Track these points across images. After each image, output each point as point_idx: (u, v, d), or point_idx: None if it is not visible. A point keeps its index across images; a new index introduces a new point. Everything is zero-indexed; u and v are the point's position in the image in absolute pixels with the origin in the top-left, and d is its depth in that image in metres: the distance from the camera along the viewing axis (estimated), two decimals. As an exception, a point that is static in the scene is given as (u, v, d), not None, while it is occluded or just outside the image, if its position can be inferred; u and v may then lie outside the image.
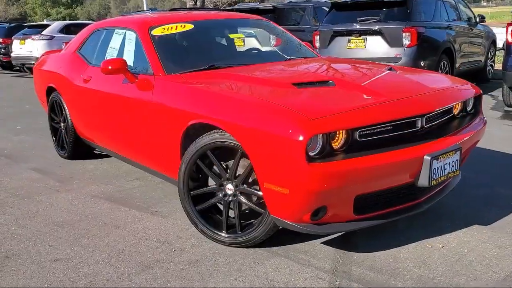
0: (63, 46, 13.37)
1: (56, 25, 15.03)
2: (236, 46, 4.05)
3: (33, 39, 14.19)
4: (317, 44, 7.65)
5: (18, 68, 15.84)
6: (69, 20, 38.30)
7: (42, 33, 14.37)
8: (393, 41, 6.98)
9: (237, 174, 2.93)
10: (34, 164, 5.02)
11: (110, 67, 3.57)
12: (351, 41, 7.28)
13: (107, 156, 5.08)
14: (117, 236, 3.24)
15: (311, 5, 9.91)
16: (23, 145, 5.89)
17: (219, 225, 3.06)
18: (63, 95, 4.85)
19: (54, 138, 5.32)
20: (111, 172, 4.64)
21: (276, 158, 2.51)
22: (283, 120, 2.49)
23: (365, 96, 2.76)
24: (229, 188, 2.96)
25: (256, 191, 2.85)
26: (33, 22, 31.58)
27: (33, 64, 14.36)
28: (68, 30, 14.96)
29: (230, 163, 3.01)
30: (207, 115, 2.93)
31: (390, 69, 3.45)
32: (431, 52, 7.21)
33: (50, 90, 5.22)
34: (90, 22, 17.14)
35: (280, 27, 4.54)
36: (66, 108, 4.85)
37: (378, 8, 7.32)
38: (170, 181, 3.53)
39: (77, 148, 5.00)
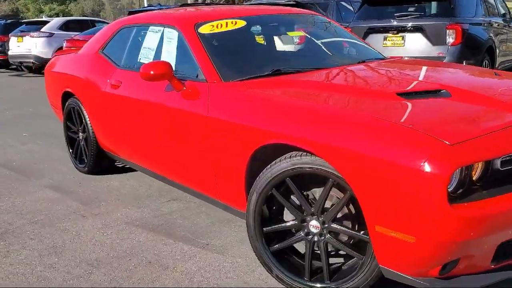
0: (64, 44, 12.77)
1: (56, 21, 14.34)
2: (297, 46, 3.45)
3: (31, 36, 13.50)
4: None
5: (15, 66, 15.11)
6: (63, 16, 37.42)
7: (41, 30, 13.68)
8: (435, 39, 6.41)
9: (324, 207, 2.35)
10: (49, 181, 4.40)
11: (152, 72, 2.96)
12: (388, 38, 6.69)
13: (131, 169, 4.46)
14: (168, 281, 2.64)
15: (334, 0, 9.32)
16: (32, 155, 5.26)
17: (298, 270, 2.47)
18: (83, 102, 4.23)
19: (70, 150, 4.70)
20: (141, 191, 4.03)
21: (398, 196, 1.92)
22: (411, 146, 1.90)
23: (498, 111, 2.18)
24: (314, 225, 2.37)
25: (355, 232, 2.26)
26: (26, 19, 30.76)
27: (32, 62, 13.79)
28: (68, 26, 14.30)
29: (313, 192, 2.42)
30: (288, 133, 2.33)
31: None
32: (475, 51, 6.65)
33: (66, 96, 4.60)
34: (92, 18, 16.46)
35: (336, 23, 3.94)
36: (86, 116, 4.23)
37: (418, 2, 6.74)
38: (229, 210, 2.94)
39: (99, 162, 4.39)
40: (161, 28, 3.47)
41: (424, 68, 3.17)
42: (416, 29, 6.53)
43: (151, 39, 3.55)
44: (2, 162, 5.04)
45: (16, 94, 10.39)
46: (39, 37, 13.45)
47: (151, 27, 3.59)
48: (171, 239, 3.14)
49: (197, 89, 2.94)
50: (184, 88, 3.01)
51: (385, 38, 6.67)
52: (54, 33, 13.65)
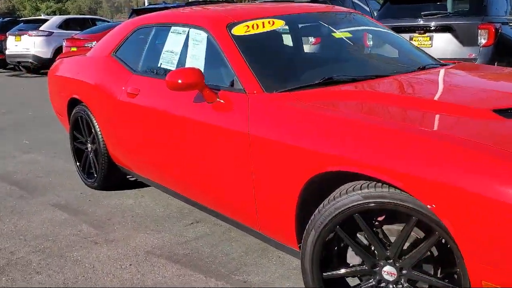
0: (63, 43, 12.29)
1: (55, 20, 13.86)
2: (346, 49, 3.00)
3: (30, 35, 13.04)
4: (370, 43, 6.61)
5: (12, 66, 14.63)
6: (60, 15, 36.80)
7: (40, 28, 13.21)
8: (466, 39, 5.99)
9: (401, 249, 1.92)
10: (55, 197, 3.96)
11: (180, 81, 2.53)
12: (414, 38, 6.26)
13: (143, 184, 4.02)
14: (205, 332, 2.21)
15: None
16: (35, 167, 4.81)
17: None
18: (93, 110, 3.79)
19: (78, 163, 4.25)
20: (158, 211, 3.59)
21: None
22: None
23: None
24: (389, 271, 1.94)
25: (444, 283, 1.84)
26: (22, 17, 30.23)
27: (30, 62, 13.30)
28: (68, 25, 13.87)
29: (386, 231, 2.00)
30: (357, 159, 1.90)
31: None
32: (508, 53, 6.22)
33: (72, 103, 4.16)
34: (93, 17, 15.99)
35: (379, 22, 3.51)
36: (97, 126, 3.79)
37: (445, 0, 6.31)
38: (270, 243, 2.51)
39: (110, 177, 3.95)
40: (186, 29, 3.03)
41: (492, 75, 2.74)
42: (444, 28, 6.10)
43: (174, 41, 3.11)
44: (3, 175, 4.59)
45: (14, 96, 9.92)
46: (38, 36, 12.99)
47: (173, 28, 3.15)
48: (201, 273, 2.70)
49: (233, 101, 2.51)
50: (218, 99, 2.58)
51: (411, 39, 6.24)
52: (53, 32, 13.18)
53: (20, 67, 14.11)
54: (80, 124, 4.08)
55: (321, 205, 2.03)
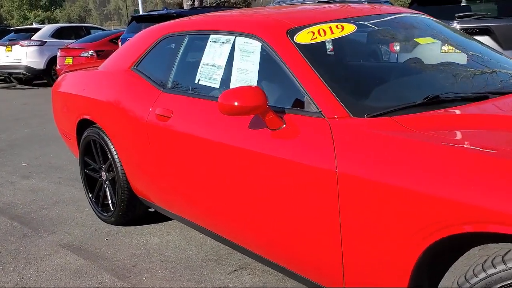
0: (57, 53, 11.67)
1: (48, 28, 13.23)
2: (431, 58, 2.46)
3: (21, 45, 12.39)
4: (396, 48, 6.09)
5: (3, 78, 13.96)
6: (49, 23, 35.95)
7: (32, 38, 12.57)
8: (508, 43, 5.48)
9: None
10: (65, 236, 3.37)
11: (237, 103, 1.98)
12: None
13: (166, 218, 3.45)
14: None
15: (365, 0, 8.38)
16: (38, 196, 4.22)
17: None
18: (110, 134, 3.22)
19: (90, 195, 3.67)
20: (192, 253, 3.02)
21: None
22: None
23: None
24: None
25: None
26: (10, 26, 29.51)
27: (22, 73, 12.65)
28: (61, 34, 13.26)
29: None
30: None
31: None
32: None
33: (83, 124, 3.59)
34: (87, 25, 15.38)
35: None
36: (114, 152, 3.22)
37: (481, 0, 5.81)
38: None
39: (130, 211, 3.38)
40: (231, 37, 2.48)
41: None
42: (483, 31, 5.60)
43: (214, 52, 2.56)
44: (1, 207, 4.00)
45: (7, 111, 9.29)
46: (30, 45, 12.35)
47: (213, 36, 2.60)
48: None
49: (306, 127, 1.96)
50: (284, 125, 2.03)
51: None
52: (46, 41, 12.55)
53: (11, 78, 13.45)
54: (92, 149, 3.51)
55: (463, 278, 1.48)
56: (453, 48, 2.54)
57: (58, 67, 11.20)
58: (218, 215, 2.47)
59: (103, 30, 14.47)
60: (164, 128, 2.66)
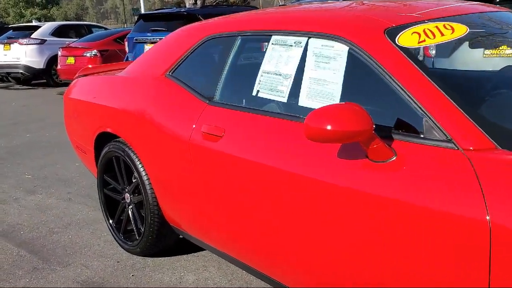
0: (58, 52, 11.12)
1: (48, 26, 12.66)
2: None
3: (20, 44, 11.83)
4: (432, 52, 5.61)
5: (0, 77, 13.38)
6: (45, 21, 35.26)
7: (31, 36, 12.02)
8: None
9: None
10: (83, 270, 2.87)
11: (330, 127, 1.50)
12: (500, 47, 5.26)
13: (198, 248, 2.93)
14: None
15: None
16: (47, 217, 3.71)
17: None
18: (138, 151, 2.72)
19: (111, 220, 3.17)
20: (238, 296, 2.54)
21: None
22: None
23: None
24: None
25: None
26: (6, 24, 28.89)
27: (21, 73, 12.09)
28: (62, 32, 12.71)
29: None
30: None
31: None
32: None
33: (103, 137, 3.09)
34: (88, 23, 14.84)
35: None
36: (143, 172, 2.73)
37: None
38: None
39: (159, 241, 2.88)
40: (302, 39, 1.99)
41: None
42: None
43: (279, 57, 2.07)
44: (6, 230, 3.49)
45: (5, 113, 8.74)
46: (29, 44, 11.80)
47: (276, 38, 2.10)
48: None
49: (431, 161, 1.47)
50: (395, 157, 1.54)
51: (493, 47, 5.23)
52: (46, 40, 12.00)
53: (9, 78, 12.88)
54: (115, 167, 3.01)
55: None
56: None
57: (59, 67, 10.67)
58: (288, 263, 1.98)
59: (105, 29, 13.93)
60: (213, 150, 2.16)
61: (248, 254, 2.19)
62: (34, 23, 14.89)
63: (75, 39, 11.86)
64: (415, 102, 1.57)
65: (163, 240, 2.89)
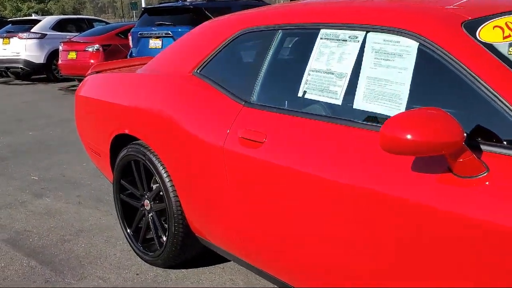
0: (59, 47, 10.85)
1: (48, 20, 12.39)
2: None
3: (20, 38, 11.57)
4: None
5: (-1, 72, 13.14)
6: (42, 15, 34.79)
7: (31, 30, 11.75)
8: None
9: None
10: (99, 283, 2.65)
11: (411, 137, 1.28)
12: None
13: (223, 259, 2.70)
14: None
15: None
16: (57, 222, 3.48)
17: None
18: (161, 155, 2.49)
19: (128, 230, 2.94)
20: (273, 315, 2.32)
21: None
22: None
23: None
24: None
25: None
26: (4, 18, 28.54)
27: (21, 68, 11.83)
28: (62, 26, 12.44)
29: None
30: None
31: None
32: None
33: (121, 139, 2.86)
34: (89, 17, 14.56)
35: None
36: (167, 179, 2.50)
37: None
38: None
39: (183, 252, 2.66)
40: (359, 33, 1.76)
41: None
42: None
43: (330, 54, 1.84)
44: (13, 237, 3.26)
45: (7, 110, 8.48)
46: (29, 38, 11.53)
47: (325, 31, 1.87)
48: None
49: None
50: (487, 172, 1.32)
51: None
52: (46, 34, 11.73)
53: (9, 73, 12.61)
54: (134, 172, 2.79)
55: None
56: None
57: (60, 61, 10.41)
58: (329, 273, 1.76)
59: (106, 23, 13.64)
60: (253, 158, 1.93)
61: (294, 274, 1.96)
62: (33, 16, 14.60)
63: (76, 34, 11.60)
64: (509, 108, 1.35)
65: (187, 251, 2.66)
